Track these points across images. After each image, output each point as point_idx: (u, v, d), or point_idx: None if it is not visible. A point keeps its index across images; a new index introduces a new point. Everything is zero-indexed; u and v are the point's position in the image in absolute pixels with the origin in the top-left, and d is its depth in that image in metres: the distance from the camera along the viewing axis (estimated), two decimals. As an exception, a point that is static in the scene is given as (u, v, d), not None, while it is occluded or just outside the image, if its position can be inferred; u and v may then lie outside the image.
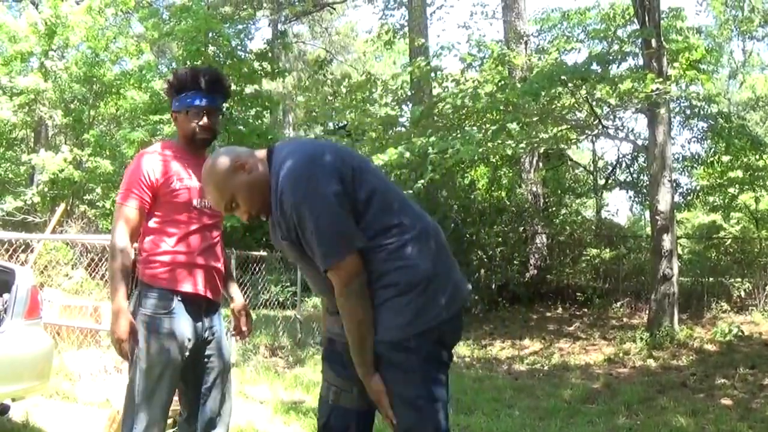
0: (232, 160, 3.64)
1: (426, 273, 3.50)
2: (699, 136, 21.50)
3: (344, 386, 3.79)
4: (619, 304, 18.66)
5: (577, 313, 18.77)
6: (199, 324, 4.61)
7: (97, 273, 13.01)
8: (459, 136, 15.79)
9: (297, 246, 3.55)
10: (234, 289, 5.15)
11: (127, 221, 4.49)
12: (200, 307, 4.63)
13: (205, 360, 4.70)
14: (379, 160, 14.66)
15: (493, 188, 22.29)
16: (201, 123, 4.67)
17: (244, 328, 5.10)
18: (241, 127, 22.58)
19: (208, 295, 4.66)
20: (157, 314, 4.43)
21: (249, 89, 23.95)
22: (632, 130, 21.09)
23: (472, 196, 21.06)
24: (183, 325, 4.49)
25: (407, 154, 14.91)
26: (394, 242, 3.50)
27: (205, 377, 4.70)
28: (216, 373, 4.74)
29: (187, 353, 4.49)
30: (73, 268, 14.83)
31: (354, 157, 3.70)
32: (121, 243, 4.44)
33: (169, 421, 5.01)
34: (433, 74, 18.38)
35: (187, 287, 4.55)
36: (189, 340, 4.50)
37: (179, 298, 4.51)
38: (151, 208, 4.57)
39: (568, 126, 17.49)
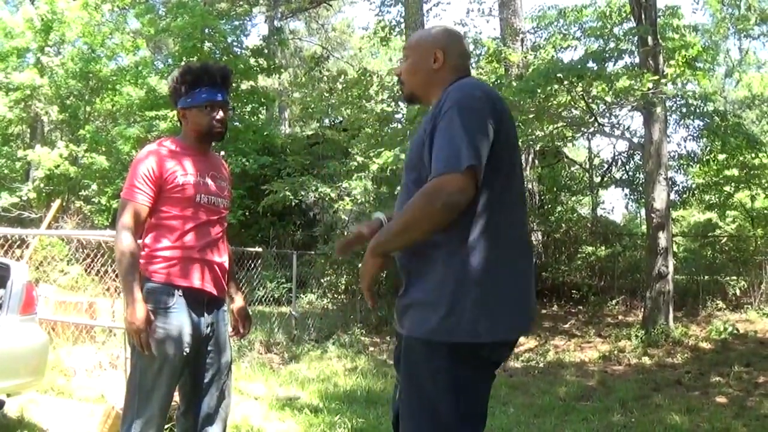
0: (440, 47, 3.65)
1: (509, 277, 3.34)
2: (695, 134, 21.54)
3: None
4: (614, 301, 18.68)
5: (573, 310, 18.79)
6: (201, 320, 4.61)
7: (92, 269, 12.99)
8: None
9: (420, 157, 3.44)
10: (235, 290, 5.14)
11: (131, 215, 4.48)
12: (202, 303, 4.63)
13: (206, 355, 4.69)
14: (374, 163, 14.66)
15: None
16: (218, 117, 4.69)
17: (242, 330, 5.09)
18: (237, 123, 22.63)
19: (211, 290, 4.66)
20: (159, 309, 4.42)
21: (245, 85, 23.99)
22: (628, 128, 21.16)
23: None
24: (184, 320, 4.48)
25: (403, 156, 14.90)
26: (495, 223, 3.31)
27: (204, 372, 4.69)
28: (216, 368, 4.73)
29: (187, 349, 4.48)
30: (68, 264, 14.84)
31: (514, 132, 3.57)
32: (127, 235, 4.42)
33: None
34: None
35: (188, 282, 4.55)
36: (189, 335, 4.49)
37: (180, 294, 4.50)
38: (155, 203, 4.57)
39: (564, 123, 17.51)
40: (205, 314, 4.65)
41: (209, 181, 4.73)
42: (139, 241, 4.59)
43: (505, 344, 3.42)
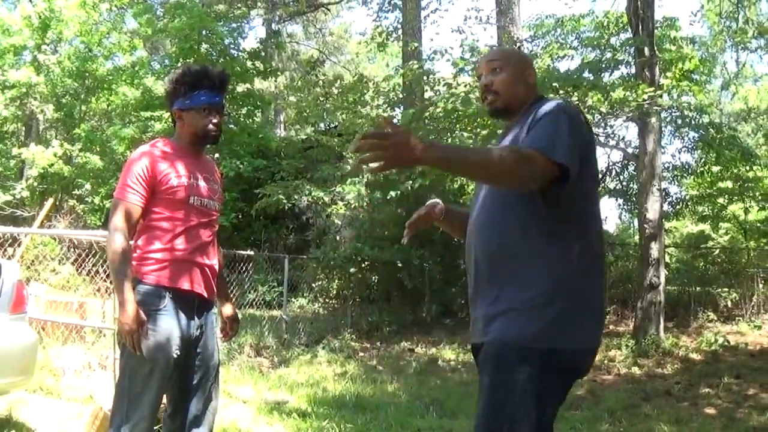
0: (530, 64, 3.90)
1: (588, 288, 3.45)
2: (689, 146, 21.57)
3: None
4: (605, 311, 18.65)
5: (564, 319, 18.78)
6: (191, 322, 4.61)
7: (83, 269, 12.98)
8: (450, 140, 15.81)
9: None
10: (224, 293, 5.16)
11: (124, 215, 4.48)
12: (193, 305, 4.63)
13: (194, 358, 4.69)
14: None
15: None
16: (215, 121, 4.72)
17: (229, 332, 5.12)
18: (232, 126, 22.61)
19: (201, 292, 4.66)
20: (149, 311, 4.41)
21: (241, 88, 23.95)
22: (623, 139, 21.13)
23: (461, 201, 21.08)
24: (174, 323, 4.48)
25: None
26: (589, 233, 3.50)
27: (193, 375, 4.68)
28: (204, 371, 4.73)
29: (177, 351, 4.48)
30: (60, 264, 14.82)
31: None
32: (119, 236, 4.42)
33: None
34: (425, 78, 18.40)
35: (180, 284, 4.55)
36: (179, 338, 4.49)
37: (171, 295, 4.51)
38: (148, 204, 4.57)
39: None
40: (195, 317, 4.65)
41: (202, 183, 4.75)
42: (132, 242, 4.58)
43: (592, 352, 3.56)
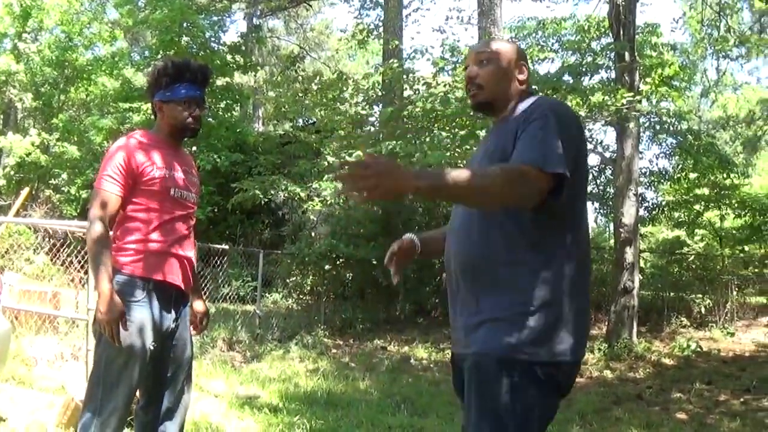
0: (523, 60, 3.69)
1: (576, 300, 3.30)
2: (667, 152, 21.75)
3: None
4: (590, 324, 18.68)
5: (538, 321, 18.79)
6: (167, 314, 4.60)
7: (58, 258, 12.92)
8: (428, 139, 15.83)
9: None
10: (197, 288, 5.13)
11: (103, 205, 4.45)
12: (170, 297, 4.62)
13: (169, 350, 4.66)
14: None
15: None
16: (195, 114, 4.70)
17: (200, 326, 5.08)
18: (211, 119, 22.56)
19: (179, 284, 4.65)
20: (126, 302, 4.36)
21: (220, 81, 23.92)
22: (601, 143, 21.26)
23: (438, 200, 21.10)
24: (150, 314, 4.46)
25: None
26: (575, 243, 3.34)
27: (167, 367, 4.66)
28: (177, 364, 4.71)
29: (153, 343, 4.46)
30: (35, 253, 14.75)
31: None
32: (98, 225, 4.38)
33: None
34: (405, 76, 18.41)
35: (158, 275, 4.53)
36: (156, 329, 4.47)
37: (150, 287, 4.49)
38: (128, 194, 4.54)
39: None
40: (172, 309, 4.64)
41: (180, 175, 4.73)
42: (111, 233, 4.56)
43: (575, 367, 3.35)
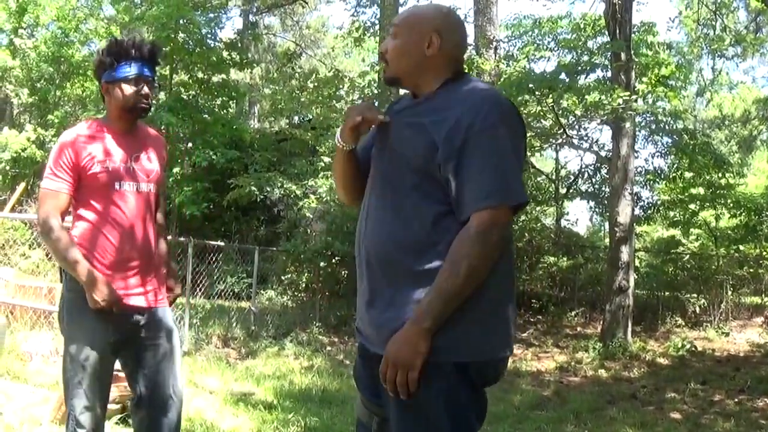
0: (437, 31, 3.18)
1: (509, 295, 3.16)
2: (663, 151, 21.70)
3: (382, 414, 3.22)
4: (573, 313, 18.69)
5: (532, 319, 18.79)
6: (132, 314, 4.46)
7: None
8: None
9: (419, 155, 3.07)
10: (172, 275, 4.99)
11: (51, 205, 4.32)
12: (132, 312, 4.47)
13: (152, 344, 4.54)
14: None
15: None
16: (143, 92, 4.47)
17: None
18: (206, 116, 22.50)
19: (136, 303, 4.46)
20: (81, 304, 4.26)
21: (216, 78, 23.87)
22: (596, 141, 21.28)
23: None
24: (106, 313, 4.29)
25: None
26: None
27: (151, 361, 4.53)
28: (163, 357, 4.57)
29: (116, 336, 4.36)
30: (30, 248, 14.75)
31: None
32: (53, 221, 4.27)
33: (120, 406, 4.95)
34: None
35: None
36: (114, 324, 4.33)
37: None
38: (75, 191, 4.40)
39: (533, 134, 17.52)
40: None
41: (133, 164, 4.53)
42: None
43: (505, 360, 3.17)
